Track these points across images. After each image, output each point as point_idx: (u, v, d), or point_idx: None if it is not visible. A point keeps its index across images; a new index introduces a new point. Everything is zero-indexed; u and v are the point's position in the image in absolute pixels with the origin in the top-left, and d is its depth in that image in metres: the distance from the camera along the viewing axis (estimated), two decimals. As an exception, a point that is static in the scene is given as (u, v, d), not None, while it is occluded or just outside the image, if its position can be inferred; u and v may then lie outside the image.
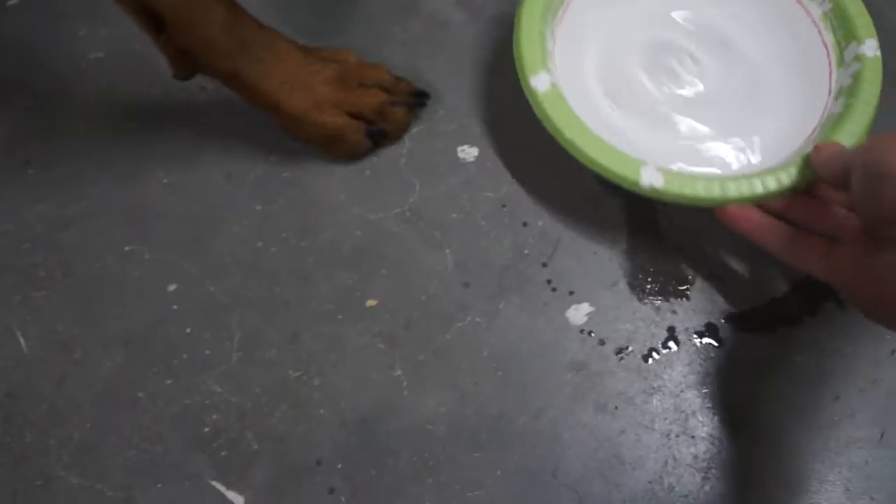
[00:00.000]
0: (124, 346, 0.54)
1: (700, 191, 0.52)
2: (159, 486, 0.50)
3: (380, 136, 0.59)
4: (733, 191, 0.52)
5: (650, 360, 0.54)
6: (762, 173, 0.52)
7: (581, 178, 0.59)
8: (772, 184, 0.51)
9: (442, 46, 0.64)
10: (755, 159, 0.56)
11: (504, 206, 0.58)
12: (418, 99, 0.61)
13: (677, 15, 0.63)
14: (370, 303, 0.55)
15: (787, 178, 0.52)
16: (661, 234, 0.58)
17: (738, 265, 0.57)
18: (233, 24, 0.54)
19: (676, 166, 0.55)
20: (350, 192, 0.59)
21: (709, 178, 0.52)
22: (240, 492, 0.50)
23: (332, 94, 0.58)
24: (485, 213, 0.58)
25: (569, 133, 0.53)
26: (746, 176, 0.52)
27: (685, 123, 0.58)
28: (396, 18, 0.65)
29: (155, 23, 0.52)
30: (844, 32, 0.58)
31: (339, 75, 0.58)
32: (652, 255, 0.57)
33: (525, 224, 0.58)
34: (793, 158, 0.53)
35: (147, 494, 0.50)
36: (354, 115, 0.59)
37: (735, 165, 0.56)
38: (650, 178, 0.52)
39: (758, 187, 0.52)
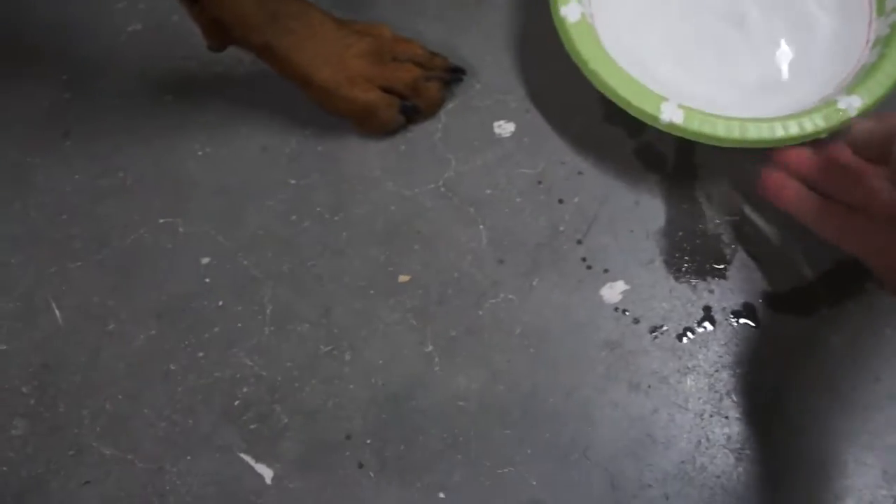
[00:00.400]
0: (157, 318, 0.54)
1: (720, 130, 0.52)
2: (189, 458, 0.50)
3: (413, 112, 0.59)
4: (753, 132, 0.52)
5: (685, 340, 0.53)
6: (785, 118, 0.52)
7: (619, 155, 0.58)
8: (793, 128, 0.52)
9: (477, 21, 0.63)
10: (784, 103, 0.55)
11: (540, 182, 0.57)
12: (453, 75, 0.60)
13: None
14: (403, 278, 0.55)
15: (809, 124, 0.52)
16: (699, 212, 0.56)
17: (777, 245, 0.56)
18: None
19: (700, 102, 0.54)
20: (384, 167, 0.58)
21: (729, 118, 0.52)
22: (269, 465, 0.50)
23: (364, 68, 0.57)
24: (520, 190, 0.57)
25: (593, 64, 0.54)
26: (768, 119, 0.52)
27: (721, 62, 0.58)
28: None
29: None
30: None
31: (372, 49, 0.57)
32: (689, 233, 0.56)
33: (561, 201, 0.57)
34: (820, 105, 0.53)
35: (177, 466, 0.50)
36: (388, 90, 0.58)
37: (769, 109, 0.55)
38: (670, 114, 0.52)
39: (778, 131, 0.52)
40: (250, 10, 0.53)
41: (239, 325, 0.53)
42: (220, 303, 0.54)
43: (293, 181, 0.58)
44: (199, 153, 0.59)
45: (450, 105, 0.60)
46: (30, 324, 0.54)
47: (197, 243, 0.56)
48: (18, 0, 0.64)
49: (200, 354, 0.53)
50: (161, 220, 0.57)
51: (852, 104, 0.53)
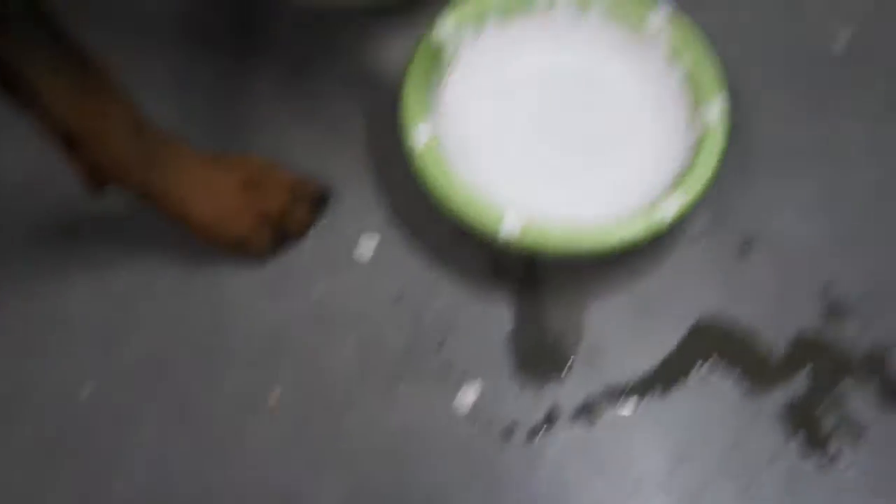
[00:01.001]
0: (33, 451, 0.57)
1: (556, 243, 0.58)
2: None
3: (284, 236, 0.63)
4: (587, 242, 0.58)
5: (535, 440, 0.58)
6: (615, 225, 0.59)
7: (475, 264, 0.63)
8: (622, 233, 0.59)
9: (342, 147, 0.68)
10: (614, 209, 0.62)
11: (401, 297, 0.62)
12: (320, 198, 0.65)
13: (555, 64, 0.70)
14: (273, 396, 0.59)
15: (635, 228, 0.59)
16: (544, 317, 0.62)
17: (615, 344, 0.61)
18: (140, 138, 0.56)
19: (539, 214, 0.60)
20: (257, 289, 0.62)
21: (565, 231, 0.58)
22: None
23: (237, 199, 0.61)
24: (383, 304, 0.62)
25: (439, 186, 0.60)
26: (601, 228, 0.59)
27: (552, 174, 0.65)
28: (298, 122, 0.69)
29: (67, 139, 0.55)
30: (696, 95, 0.64)
31: (243, 181, 0.61)
32: (536, 337, 0.61)
33: (420, 313, 0.62)
34: (645, 210, 0.60)
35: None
36: (261, 218, 0.62)
37: (595, 213, 0.62)
38: (510, 230, 0.58)
39: (609, 238, 0.59)
40: (127, 154, 0.56)
41: (113, 457, 0.57)
42: (97, 434, 0.57)
43: (172, 309, 0.62)
44: (81, 288, 0.62)
45: (317, 226, 0.64)
46: None
47: (76, 374, 0.59)
48: None
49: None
50: (42, 358, 0.60)
51: (670, 208, 0.59)
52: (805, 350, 0.63)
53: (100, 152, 0.55)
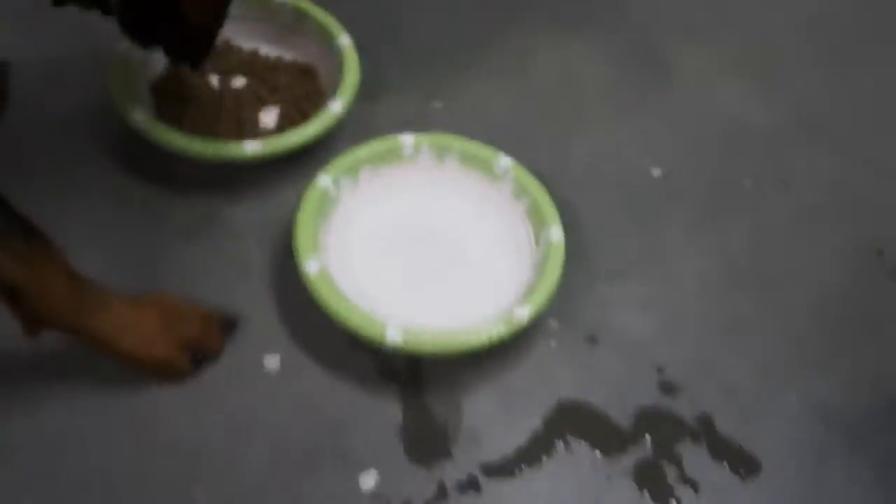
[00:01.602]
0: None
1: (432, 346, 0.68)
2: None
3: (201, 357, 0.72)
4: (457, 344, 0.69)
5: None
6: (479, 328, 0.70)
7: (366, 369, 0.73)
8: (485, 335, 0.69)
9: (246, 279, 0.77)
10: (483, 316, 0.74)
11: (303, 400, 0.71)
12: (229, 323, 0.74)
13: (421, 202, 0.83)
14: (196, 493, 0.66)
15: (497, 330, 0.70)
16: (427, 407, 0.71)
17: (490, 426, 0.71)
18: (73, 290, 0.64)
19: (417, 324, 0.71)
20: (178, 406, 0.70)
21: (438, 335, 0.69)
22: None
23: (158, 331, 0.69)
24: (288, 410, 0.70)
25: (331, 305, 0.69)
26: (469, 331, 0.69)
27: (430, 293, 0.77)
28: (204, 260, 0.78)
29: (9, 293, 0.62)
30: (538, 221, 0.77)
31: (161, 314, 0.70)
32: (422, 425, 0.70)
33: (321, 414, 0.70)
34: (503, 315, 0.72)
35: None
36: (178, 344, 0.71)
37: (463, 320, 0.73)
38: (393, 338, 0.67)
39: (476, 339, 0.69)
40: (62, 303, 0.64)
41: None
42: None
43: (98, 429, 0.69)
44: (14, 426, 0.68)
45: (229, 347, 0.74)
46: None
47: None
48: None
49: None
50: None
51: (525, 313, 0.70)
52: (646, 421, 0.73)
53: (39, 303, 0.63)
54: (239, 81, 0.89)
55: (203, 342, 0.71)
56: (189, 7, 0.72)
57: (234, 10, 0.81)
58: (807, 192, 0.92)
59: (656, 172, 0.91)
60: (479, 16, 1.06)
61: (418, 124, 0.87)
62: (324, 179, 0.77)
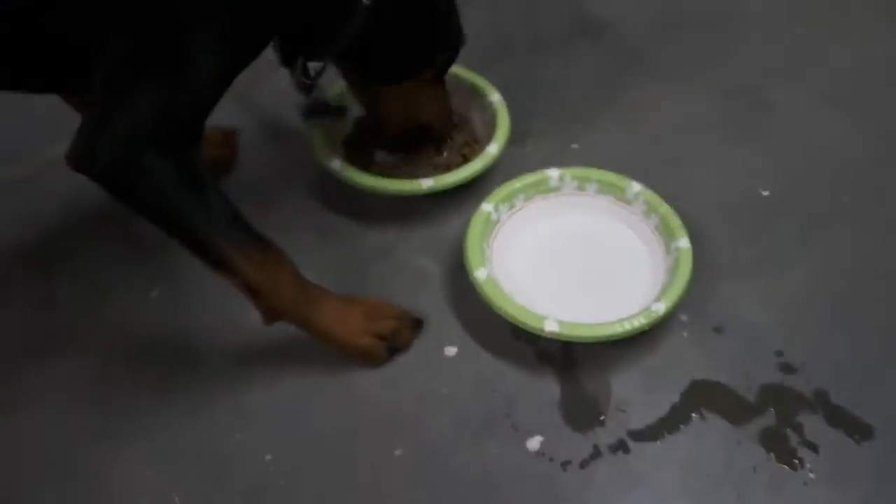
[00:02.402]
0: None
1: (584, 333, 0.76)
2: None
3: (394, 350, 0.81)
4: (606, 331, 0.76)
5: (585, 468, 0.73)
6: (623, 319, 0.76)
7: (525, 357, 0.81)
8: (628, 326, 0.76)
9: (425, 287, 0.88)
10: (624, 312, 0.79)
11: (478, 380, 0.79)
12: (417, 324, 0.83)
13: (568, 224, 0.90)
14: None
15: (638, 322, 0.76)
16: (580, 386, 0.78)
17: (634, 401, 0.76)
18: (299, 289, 0.75)
19: (572, 319, 0.77)
20: (377, 384, 0.79)
21: (589, 325, 0.76)
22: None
23: (362, 325, 0.80)
24: (465, 388, 0.79)
25: (497, 303, 0.78)
26: (614, 322, 0.76)
27: (578, 294, 0.84)
28: (392, 274, 0.89)
29: (252, 291, 0.72)
30: (667, 233, 0.84)
31: (366, 313, 0.80)
32: (576, 399, 0.78)
33: (493, 390, 0.78)
34: (644, 310, 0.78)
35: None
36: (378, 337, 0.80)
37: (609, 315, 0.78)
38: (551, 327, 0.75)
39: (619, 329, 0.76)
40: (291, 298, 0.74)
41: None
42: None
43: (319, 400, 0.77)
44: (255, 395, 0.78)
45: (416, 341, 0.82)
46: None
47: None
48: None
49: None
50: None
51: (661, 307, 0.77)
52: (769, 396, 0.78)
53: (273, 299, 0.74)
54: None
55: (397, 336, 0.81)
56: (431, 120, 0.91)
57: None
58: (891, 204, 0.96)
59: (765, 192, 0.96)
60: (604, 71, 1.15)
61: (559, 162, 0.95)
62: (487, 206, 0.86)
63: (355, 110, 0.96)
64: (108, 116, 0.65)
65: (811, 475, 0.72)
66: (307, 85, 0.84)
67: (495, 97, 0.98)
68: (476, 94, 1.00)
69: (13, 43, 0.68)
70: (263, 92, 1.07)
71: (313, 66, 0.83)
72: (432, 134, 0.94)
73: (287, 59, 0.82)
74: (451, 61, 0.88)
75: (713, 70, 1.13)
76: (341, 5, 0.75)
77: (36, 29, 0.66)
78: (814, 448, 0.74)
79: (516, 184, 0.90)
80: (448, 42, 0.86)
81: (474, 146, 0.98)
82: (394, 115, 0.89)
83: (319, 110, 0.92)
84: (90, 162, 0.64)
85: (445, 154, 0.96)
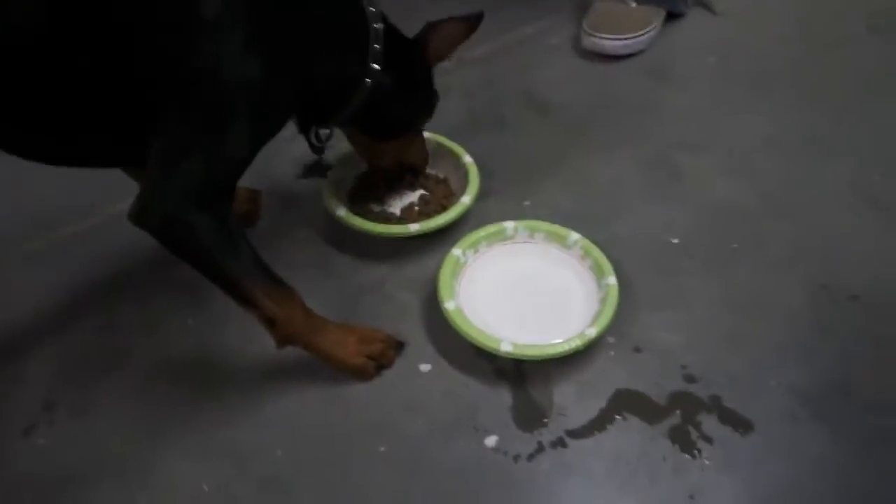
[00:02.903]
0: None
1: (533, 352, 0.88)
2: None
3: (381, 367, 0.94)
4: (549, 351, 0.88)
5: (533, 460, 0.85)
6: (564, 342, 0.89)
7: (484, 373, 0.93)
8: (566, 346, 0.88)
9: (406, 315, 1.00)
10: (564, 335, 0.91)
11: (446, 393, 0.92)
12: (399, 346, 0.96)
13: (519, 269, 1.02)
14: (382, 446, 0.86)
15: (574, 343, 0.88)
16: (529, 394, 0.92)
17: (571, 407, 0.89)
18: (306, 319, 0.88)
19: (523, 341, 0.89)
20: (365, 392, 0.91)
21: (538, 345, 0.89)
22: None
23: (357, 348, 0.92)
24: (436, 397, 0.92)
25: (464, 329, 0.90)
26: (558, 343, 0.89)
27: (528, 321, 0.96)
28: (379, 305, 1.01)
29: (269, 322, 0.84)
30: (599, 273, 0.98)
31: (360, 338, 0.93)
32: (527, 404, 0.90)
33: (459, 398, 0.91)
34: (579, 334, 0.90)
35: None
36: (368, 357, 0.93)
37: (556, 339, 0.91)
38: (506, 347, 0.88)
39: (560, 348, 0.88)
40: (299, 328, 0.86)
41: None
42: None
43: (319, 406, 0.89)
44: (266, 401, 0.90)
45: (398, 360, 0.95)
46: None
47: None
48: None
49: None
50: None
51: (593, 332, 0.91)
52: (676, 400, 0.91)
53: (285, 328, 0.85)
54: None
55: (383, 356, 0.95)
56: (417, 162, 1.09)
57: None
58: (772, 250, 1.07)
59: (675, 240, 1.09)
60: (551, 143, 1.26)
61: (514, 215, 1.06)
62: (456, 251, 1.02)
63: (360, 167, 1.12)
64: (162, 183, 0.73)
65: (707, 462, 0.84)
66: (319, 147, 0.98)
67: (467, 159, 1.13)
68: (453, 156, 1.14)
69: (94, 130, 0.80)
70: (276, 163, 1.22)
71: (323, 131, 0.97)
72: (414, 168, 1.11)
73: (303, 127, 0.96)
74: (428, 119, 1.04)
75: (637, 143, 1.25)
76: (349, 86, 0.89)
77: (110, 120, 0.78)
78: (709, 440, 0.86)
79: (480, 233, 1.04)
80: (428, 109, 1.02)
81: (451, 198, 1.11)
82: (386, 160, 1.06)
83: (316, 169, 1.10)
84: (147, 218, 0.73)
85: (430, 205, 1.11)
